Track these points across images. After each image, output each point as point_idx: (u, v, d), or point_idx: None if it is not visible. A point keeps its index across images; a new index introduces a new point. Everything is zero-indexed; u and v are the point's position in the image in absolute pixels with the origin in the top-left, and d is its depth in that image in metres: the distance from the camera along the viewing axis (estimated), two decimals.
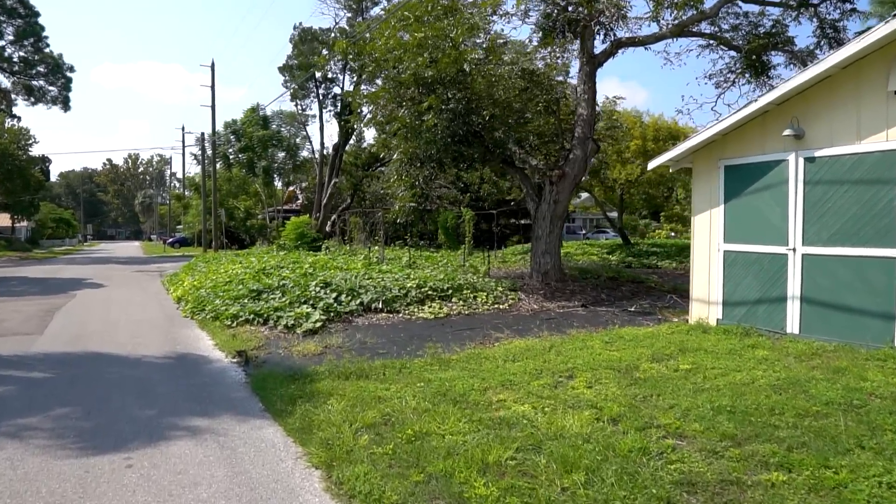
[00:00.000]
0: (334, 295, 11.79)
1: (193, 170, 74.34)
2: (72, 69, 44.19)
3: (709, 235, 10.05)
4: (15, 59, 42.99)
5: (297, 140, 44.71)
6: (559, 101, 16.15)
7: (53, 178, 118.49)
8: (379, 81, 18.84)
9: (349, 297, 11.82)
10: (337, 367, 7.48)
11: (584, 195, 64.34)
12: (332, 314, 11.15)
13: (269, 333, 10.23)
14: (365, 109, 17.36)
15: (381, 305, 11.77)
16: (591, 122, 15.11)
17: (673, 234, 42.91)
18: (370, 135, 43.25)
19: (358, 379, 7.01)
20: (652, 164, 10.78)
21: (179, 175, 78.92)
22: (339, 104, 32.61)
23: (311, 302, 11.48)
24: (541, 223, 14.85)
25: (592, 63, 15.26)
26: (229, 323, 10.80)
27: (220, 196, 43.00)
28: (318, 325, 10.37)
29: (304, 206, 48.72)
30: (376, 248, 17.00)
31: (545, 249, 14.77)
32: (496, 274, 17.21)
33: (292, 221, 27.47)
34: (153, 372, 7.89)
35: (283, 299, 11.56)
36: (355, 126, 32.36)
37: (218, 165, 42.90)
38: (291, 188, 55.67)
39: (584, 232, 66.28)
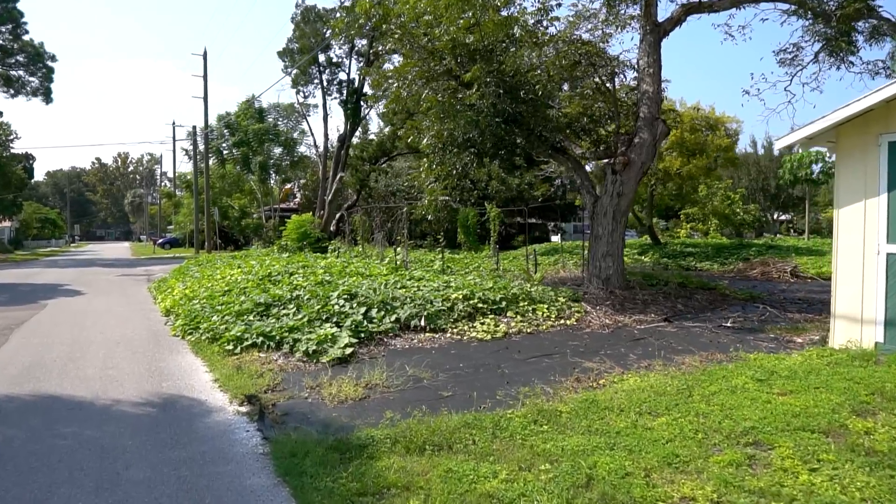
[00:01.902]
0: (363, 310, 9.34)
1: (185, 167, 71.53)
2: (53, 58, 41.43)
3: (862, 234, 7.66)
4: None
5: (295, 135, 42.15)
6: (614, 78, 13.74)
7: (40, 177, 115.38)
8: (397, 58, 16.46)
9: (382, 313, 9.38)
10: (400, 429, 5.04)
11: None
12: (362, 335, 8.71)
13: (285, 363, 7.78)
14: (382, 88, 14.88)
15: (422, 323, 9.33)
16: (658, 101, 12.73)
17: (694, 233, 40.64)
18: (376, 126, 40.81)
19: (438, 452, 4.59)
20: (781, 143, 8.38)
21: (171, 174, 76.20)
22: (344, 91, 30.04)
23: (334, 319, 9.03)
24: (600, 220, 12.44)
25: (657, 32, 12.88)
26: (231, 347, 8.33)
27: (213, 194, 40.39)
28: (349, 351, 7.92)
29: (302, 205, 46.18)
30: (397, 249, 14.57)
31: (606, 251, 12.36)
32: (542, 280, 14.81)
33: (294, 220, 24.95)
34: (126, 433, 5.42)
35: (300, 316, 9.10)
36: (371, 107, 29.84)
37: (211, 161, 40.30)
38: (288, 186, 53.10)
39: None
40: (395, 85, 13.28)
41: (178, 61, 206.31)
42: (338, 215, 29.09)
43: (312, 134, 60.45)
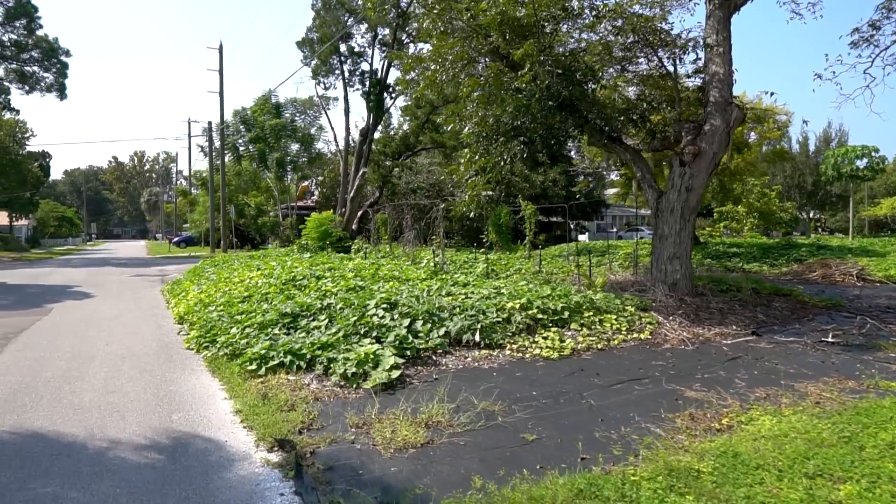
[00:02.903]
0: (406, 322, 7.99)
1: (201, 164, 70.67)
2: (67, 53, 40.53)
3: None
4: (6, 42, 39.33)
5: (313, 130, 40.85)
6: (676, 58, 12.29)
7: (58, 175, 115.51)
8: (424, 46, 15.12)
9: (429, 326, 8.02)
10: (492, 502, 3.68)
11: (613, 189, 60.48)
12: (408, 353, 7.37)
13: (319, 389, 6.44)
14: (415, 73, 13.52)
15: (476, 338, 7.96)
16: (730, 83, 11.26)
17: (727, 231, 38.95)
18: (396, 122, 39.48)
19: None
20: None
21: (187, 172, 75.43)
22: (367, 82, 28.65)
23: (374, 333, 7.70)
24: (666, 218, 11.01)
25: (727, 6, 11.43)
26: (254, 368, 7.01)
27: (229, 192, 39.32)
28: (395, 374, 6.58)
29: (320, 203, 44.96)
30: (433, 250, 13.21)
31: (673, 253, 10.93)
32: (577, 282, 13.41)
33: (314, 218, 23.65)
34: (122, 497, 4.11)
35: (333, 329, 7.77)
36: (396, 98, 28.44)
37: (227, 158, 39.21)
38: (305, 183, 51.90)
39: (615, 230, 62.18)
40: (431, 67, 11.90)
41: (194, 59, 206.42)
42: (360, 213, 27.76)
43: (333, 128, 59.49)
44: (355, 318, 8.06)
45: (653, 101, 12.52)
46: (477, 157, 11.55)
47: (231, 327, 8.62)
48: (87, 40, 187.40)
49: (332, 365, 6.85)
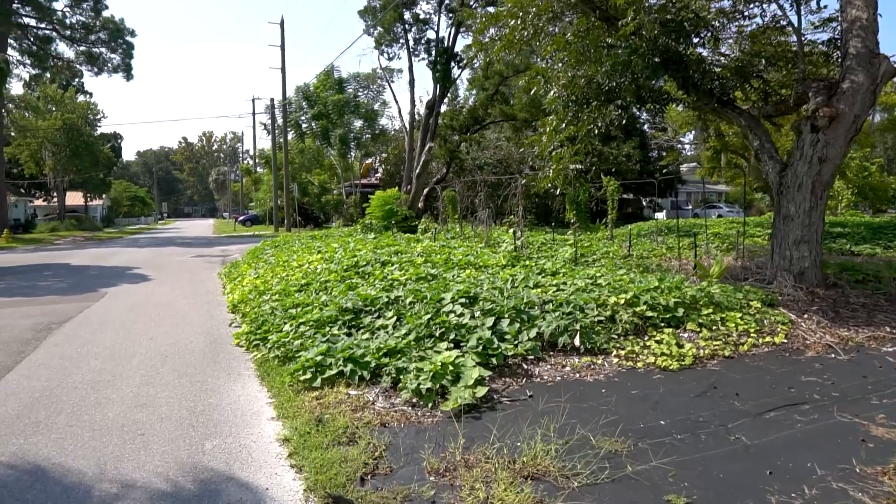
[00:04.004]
0: (490, 321, 6.61)
1: (265, 143, 70.87)
2: (133, 34, 40.67)
3: None
4: (75, 24, 39.62)
5: (376, 106, 39.73)
6: (800, 4, 10.37)
7: (131, 157, 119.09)
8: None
9: (517, 325, 6.63)
10: None
11: (690, 164, 57.22)
12: (493, 361, 6.01)
13: (386, 409, 5.16)
14: (491, 32, 11.99)
15: (576, 342, 6.52)
16: (875, 30, 9.32)
17: None
18: (462, 95, 37.93)
19: None
20: None
21: (252, 151, 75.97)
22: (433, 51, 27.15)
23: (452, 335, 6.37)
24: (792, 195, 9.21)
25: None
26: (308, 377, 5.79)
27: (292, 170, 38.73)
28: (481, 391, 5.23)
29: (384, 181, 43.94)
30: (513, 232, 11.76)
31: (801, 237, 9.15)
32: (675, 267, 11.72)
33: (378, 196, 22.49)
34: None
35: (402, 331, 6.48)
36: (465, 67, 26.84)
37: (290, 136, 38.59)
38: (369, 161, 51.00)
39: (690, 207, 58.88)
40: (510, 23, 10.38)
41: (257, 36, 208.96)
42: (426, 191, 26.45)
43: (397, 102, 58.19)
44: (428, 315, 6.74)
45: (771, 58, 10.65)
46: (564, 126, 9.99)
47: (284, 323, 7.46)
48: (150, 20, 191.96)
49: (401, 377, 5.56)
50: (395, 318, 6.92)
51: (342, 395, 5.49)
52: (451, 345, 6.20)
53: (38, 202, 59.89)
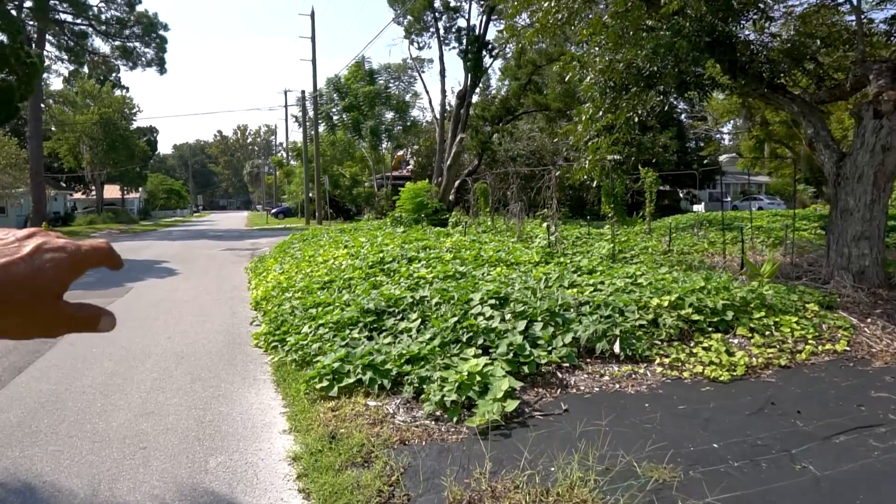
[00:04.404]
0: (522, 325, 6.11)
1: (297, 136, 71.07)
2: (166, 27, 40.84)
3: None
4: (110, 20, 39.94)
5: (408, 97, 39.30)
6: None
7: (168, 150, 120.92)
8: None
9: (550, 329, 6.11)
10: None
11: (729, 155, 55.61)
12: (525, 369, 5.51)
13: (407, 425, 4.71)
14: (523, 16, 11.43)
15: (616, 348, 5.98)
16: None
17: None
18: (494, 86, 37.26)
19: None
20: None
21: (285, 144, 76.19)
22: (464, 39, 26.57)
23: (480, 340, 5.89)
24: (852, 187, 8.50)
25: None
26: (326, 385, 5.36)
27: (323, 162, 38.55)
28: (511, 405, 4.75)
29: (415, 173, 43.53)
30: (548, 226, 11.19)
31: (861, 232, 8.44)
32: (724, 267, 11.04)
33: (408, 188, 22.05)
34: None
35: (427, 335, 6.02)
36: (496, 56, 26.24)
37: (321, 128, 38.39)
38: (400, 153, 50.65)
39: (728, 199, 57.19)
40: (545, 5, 9.80)
41: (288, 28, 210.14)
42: (457, 183, 25.92)
43: (428, 92, 57.65)
44: (455, 318, 6.27)
45: (826, 38, 9.89)
46: (601, 114, 9.40)
47: (304, 324, 7.06)
48: (182, 14, 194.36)
49: (424, 387, 5.11)
50: (419, 320, 6.46)
51: (360, 406, 5.06)
52: (479, 351, 5.72)
53: (78, 195, 60.97)
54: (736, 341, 6.46)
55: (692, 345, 6.27)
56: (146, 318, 9.48)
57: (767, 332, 6.59)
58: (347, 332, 6.46)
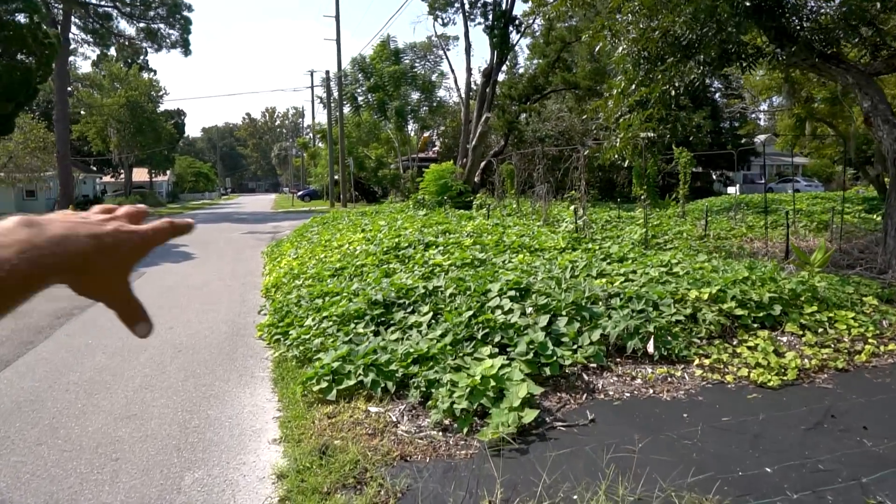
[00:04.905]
0: (544, 320, 5.49)
1: (322, 118, 70.85)
2: (190, 8, 40.46)
3: None
4: (134, 1, 39.74)
5: (433, 77, 38.46)
6: None
7: (197, 133, 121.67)
8: None
9: (576, 325, 5.49)
10: None
11: (765, 135, 53.77)
12: (546, 370, 4.91)
13: (410, 436, 4.16)
14: None
15: (650, 348, 5.34)
16: None
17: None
18: (521, 63, 36.27)
19: None
20: None
21: (312, 125, 75.86)
22: (490, 14, 25.67)
23: (496, 337, 5.29)
24: None
25: None
26: (324, 387, 4.82)
27: (348, 144, 38.05)
28: (529, 416, 4.15)
29: (441, 154, 42.81)
30: (575, 209, 10.47)
31: None
32: (751, 252, 10.23)
33: (432, 169, 21.38)
34: None
35: (438, 331, 5.44)
36: (523, 32, 25.20)
37: (346, 109, 37.83)
38: (427, 134, 49.89)
39: (763, 181, 55.39)
40: None
41: (316, 15, 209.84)
42: (483, 164, 25.18)
43: (453, 71, 56.45)
44: (470, 312, 5.67)
45: (886, 2, 8.97)
46: (633, 87, 8.65)
47: (307, 316, 6.53)
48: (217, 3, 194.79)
49: (432, 391, 4.54)
50: (430, 313, 5.88)
51: (360, 412, 4.52)
52: (496, 349, 5.13)
53: (107, 179, 61.46)
54: (785, 340, 5.76)
55: (735, 343, 5.60)
56: (151, 306, 8.89)
57: (821, 330, 5.88)
58: (352, 326, 5.91)
